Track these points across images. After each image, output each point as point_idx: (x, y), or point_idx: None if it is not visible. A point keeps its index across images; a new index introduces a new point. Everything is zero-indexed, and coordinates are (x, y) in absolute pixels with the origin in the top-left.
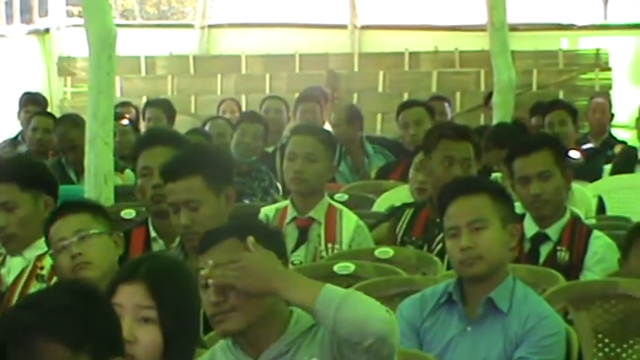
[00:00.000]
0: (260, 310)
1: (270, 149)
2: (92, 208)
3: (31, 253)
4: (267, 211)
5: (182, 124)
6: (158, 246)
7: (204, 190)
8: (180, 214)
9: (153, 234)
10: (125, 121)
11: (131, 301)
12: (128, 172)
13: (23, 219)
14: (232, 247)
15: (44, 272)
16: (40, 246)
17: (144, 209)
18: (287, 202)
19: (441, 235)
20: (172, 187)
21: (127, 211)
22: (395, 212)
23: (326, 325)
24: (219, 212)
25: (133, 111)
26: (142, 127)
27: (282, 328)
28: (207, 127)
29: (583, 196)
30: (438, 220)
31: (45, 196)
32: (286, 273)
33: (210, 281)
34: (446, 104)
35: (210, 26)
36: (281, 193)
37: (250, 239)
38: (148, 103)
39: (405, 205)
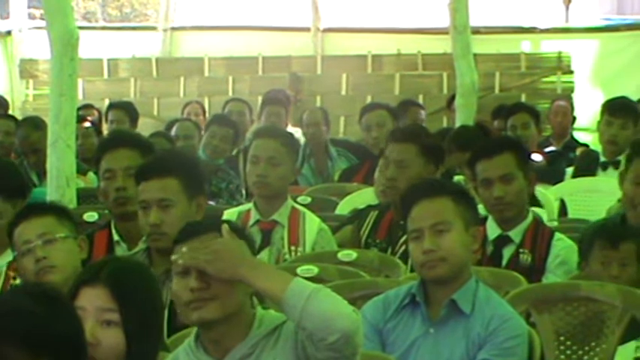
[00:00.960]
0: (235, 303)
1: (233, 152)
2: (57, 210)
3: (2, 260)
4: (229, 214)
5: (145, 127)
6: (121, 249)
7: (178, 191)
8: (151, 212)
9: (116, 237)
10: (87, 124)
11: (93, 304)
12: (91, 174)
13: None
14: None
15: (17, 282)
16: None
17: (107, 212)
18: (250, 205)
19: (404, 238)
20: (145, 186)
21: (90, 213)
22: (359, 215)
23: (293, 317)
24: (188, 218)
25: (96, 113)
26: (105, 129)
27: (246, 329)
28: (174, 130)
29: (545, 199)
30: (401, 222)
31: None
32: (258, 262)
33: (180, 261)
34: (422, 112)
35: (172, 29)
36: (244, 195)
37: (225, 226)
38: (111, 106)
39: (370, 208)
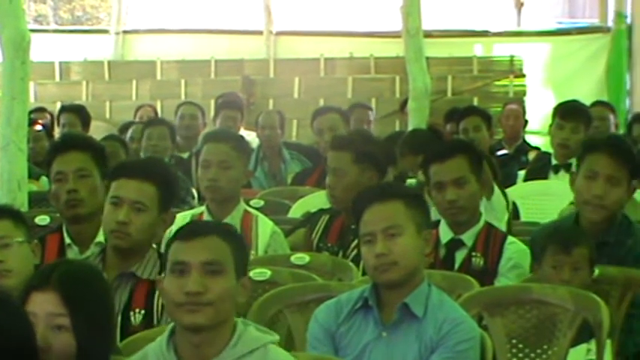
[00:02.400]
0: (227, 311)
1: (185, 155)
2: (13, 214)
3: None
4: (182, 218)
5: (97, 130)
6: (72, 252)
7: (153, 199)
8: (122, 210)
9: (67, 240)
10: (39, 127)
11: (44, 309)
12: (44, 179)
13: None
14: (215, 245)
15: None
16: None
17: (58, 215)
18: (202, 208)
19: (356, 242)
20: (124, 183)
21: (42, 217)
22: (311, 218)
23: None
24: (155, 227)
25: (48, 117)
26: (57, 133)
27: (226, 340)
28: (129, 133)
29: (501, 203)
30: (352, 227)
31: None
32: None
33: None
34: (370, 113)
35: (125, 32)
36: (196, 199)
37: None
38: (63, 109)
39: (321, 212)
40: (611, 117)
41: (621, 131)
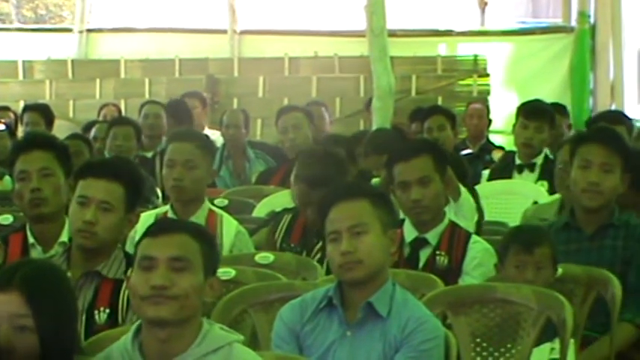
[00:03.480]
0: (193, 307)
1: (149, 154)
2: None
3: None
4: (147, 217)
5: (60, 129)
6: (36, 252)
7: (121, 200)
8: (89, 209)
9: (31, 240)
10: (2, 126)
11: (7, 310)
12: (7, 178)
13: None
14: (184, 242)
15: None
16: None
17: (22, 214)
18: (167, 207)
19: (320, 245)
20: (92, 183)
21: (5, 216)
22: (274, 218)
23: None
24: (121, 227)
25: (12, 116)
26: (20, 132)
27: (192, 338)
28: (92, 132)
29: (470, 204)
30: (316, 229)
31: None
32: None
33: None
34: (323, 109)
35: (88, 30)
36: (161, 198)
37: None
38: (26, 108)
39: (285, 211)
40: (563, 122)
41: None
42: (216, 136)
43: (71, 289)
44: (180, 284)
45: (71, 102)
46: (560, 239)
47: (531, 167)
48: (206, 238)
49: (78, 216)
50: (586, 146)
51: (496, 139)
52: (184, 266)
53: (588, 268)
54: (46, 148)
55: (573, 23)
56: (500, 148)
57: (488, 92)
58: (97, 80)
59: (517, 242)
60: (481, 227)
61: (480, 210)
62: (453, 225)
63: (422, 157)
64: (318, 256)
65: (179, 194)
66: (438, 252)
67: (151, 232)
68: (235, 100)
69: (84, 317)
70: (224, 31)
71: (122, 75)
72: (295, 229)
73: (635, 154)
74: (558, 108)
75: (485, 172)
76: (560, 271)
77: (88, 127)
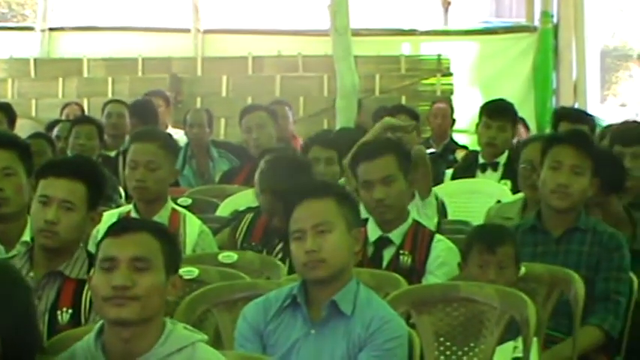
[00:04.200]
0: (154, 306)
1: (112, 153)
2: None
3: None
4: (109, 216)
5: (23, 128)
6: None
7: (83, 199)
8: (51, 209)
9: None
10: None
11: None
12: None
13: None
14: (145, 241)
15: None
16: None
17: None
18: (130, 206)
19: (281, 245)
20: (53, 182)
21: None
22: (237, 217)
23: None
24: (82, 227)
25: None
26: None
27: (155, 338)
28: (55, 131)
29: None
30: (278, 228)
31: None
32: None
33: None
34: (287, 108)
35: (51, 29)
36: (123, 197)
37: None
38: None
39: (247, 210)
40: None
41: (547, 130)
42: (179, 135)
43: (28, 288)
44: (142, 284)
45: (34, 101)
46: (526, 241)
47: (494, 166)
48: (167, 236)
49: (39, 215)
50: (558, 147)
51: (460, 138)
52: (146, 266)
53: (551, 268)
54: (8, 148)
55: (536, 23)
56: (464, 147)
57: (451, 92)
58: (60, 79)
59: (480, 242)
60: (440, 227)
61: (443, 209)
62: (416, 224)
63: (385, 156)
64: (280, 255)
65: (142, 195)
66: (401, 251)
67: (111, 232)
68: (199, 100)
69: (47, 317)
70: (187, 30)
71: (85, 74)
72: (256, 229)
73: (602, 154)
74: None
75: (449, 172)
76: (523, 270)
77: (51, 126)
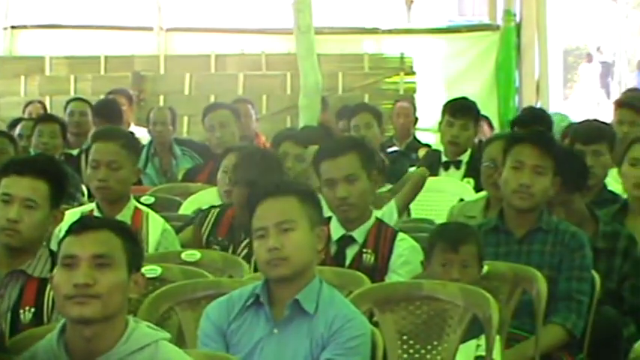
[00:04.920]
0: (116, 305)
1: (74, 152)
2: None
3: None
4: (72, 215)
5: None
6: None
7: (45, 197)
8: (13, 207)
9: None
10: None
11: None
12: None
13: None
14: (106, 239)
15: None
16: None
17: None
18: (92, 205)
19: (247, 240)
20: (16, 180)
21: None
22: (201, 213)
23: None
24: (45, 226)
25: None
26: None
27: (117, 336)
28: (17, 130)
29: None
30: (244, 224)
31: None
32: None
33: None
34: (250, 106)
35: (13, 27)
36: (86, 196)
37: None
38: None
39: (212, 208)
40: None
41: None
42: (142, 133)
43: None
44: (104, 282)
45: None
46: (489, 242)
47: (457, 165)
48: (129, 234)
49: (1, 214)
50: (520, 147)
51: (423, 136)
52: (107, 263)
53: (514, 266)
54: None
55: (499, 21)
56: (427, 145)
57: (414, 90)
58: (22, 77)
59: (443, 240)
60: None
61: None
62: (379, 223)
63: (348, 154)
64: (245, 251)
65: (104, 195)
66: (364, 250)
67: (73, 230)
68: (162, 98)
69: (9, 316)
70: (150, 29)
71: (47, 72)
72: (222, 224)
73: (564, 153)
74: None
75: (412, 170)
76: (486, 268)
77: (13, 124)
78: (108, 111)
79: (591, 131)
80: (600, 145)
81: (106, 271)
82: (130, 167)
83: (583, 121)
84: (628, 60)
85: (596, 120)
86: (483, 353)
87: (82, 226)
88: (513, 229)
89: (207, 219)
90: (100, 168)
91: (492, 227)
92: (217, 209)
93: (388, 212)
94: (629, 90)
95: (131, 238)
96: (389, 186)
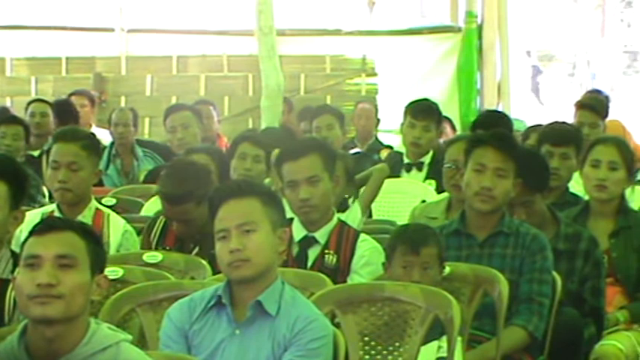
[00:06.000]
0: (79, 305)
1: (35, 153)
2: None
3: None
4: (33, 216)
5: None
6: None
7: (5, 197)
8: None
9: None
10: None
11: None
12: None
13: None
14: (69, 239)
15: None
16: None
17: None
18: (53, 206)
19: (197, 249)
20: None
21: None
22: (150, 221)
23: None
24: (5, 226)
25: None
26: None
27: (79, 338)
28: None
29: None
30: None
31: None
32: None
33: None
34: (211, 108)
35: None
36: (47, 197)
37: None
38: None
39: (160, 214)
40: (447, 127)
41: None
42: (104, 134)
43: None
44: (67, 282)
45: None
46: (451, 245)
47: (419, 166)
48: (92, 236)
49: None
50: (481, 150)
51: (386, 138)
52: (70, 263)
53: (475, 267)
54: None
55: (461, 23)
56: (389, 147)
57: (376, 92)
58: None
59: (403, 243)
60: None
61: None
62: (341, 224)
63: (310, 156)
64: None
65: (64, 197)
66: (326, 251)
67: (37, 230)
68: (123, 99)
69: None
70: (112, 30)
71: (8, 73)
72: (169, 233)
73: (525, 154)
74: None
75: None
76: (448, 269)
77: None
78: (63, 111)
79: (561, 134)
80: (569, 149)
81: (69, 271)
82: (91, 168)
83: (552, 123)
84: (587, 61)
85: (565, 122)
86: (445, 354)
87: (45, 226)
88: (475, 232)
89: (155, 227)
90: (60, 169)
91: (454, 230)
92: (164, 219)
93: (353, 212)
94: (589, 91)
95: (95, 240)
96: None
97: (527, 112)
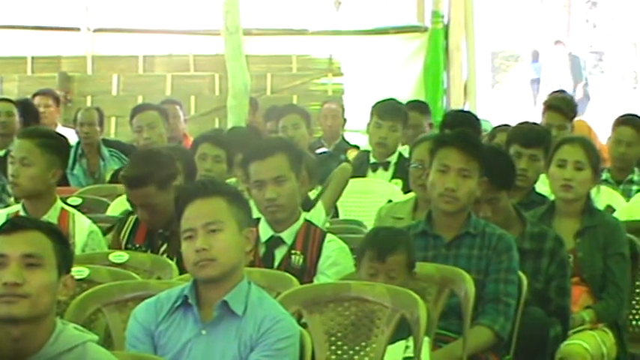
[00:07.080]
0: (45, 305)
1: (1, 153)
2: None
3: None
4: None
5: None
6: None
7: None
8: None
9: None
10: None
11: None
12: None
13: None
14: (36, 239)
15: None
16: None
17: None
18: (18, 206)
19: (165, 246)
20: None
21: None
22: (120, 220)
23: None
24: None
25: None
26: None
27: (45, 338)
28: None
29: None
30: (161, 231)
31: None
32: None
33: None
34: (178, 107)
35: None
36: (13, 197)
37: None
38: None
39: (130, 213)
40: (425, 121)
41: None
42: (69, 134)
43: None
44: (33, 282)
45: None
46: (417, 246)
47: (385, 166)
48: (59, 236)
49: None
50: (445, 150)
51: (352, 138)
52: (37, 263)
53: (441, 267)
54: None
55: (427, 23)
56: (355, 147)
57: (342, 91)
58: None
59: (371, 248)
60: None
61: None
62: (307, 224)
63: (277, 156)
64: (164, 257)
65: (14, 191)
66: (293, 251)
67: (3, 229)
68: (89, 98)
69: None
70: (77, 29)
71: None
72: (140, 230)
73: (490, 152)
74: (420, 105)
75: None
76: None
77: None
78: (25, 111)
79: (531, 135)
80: (538, 150)
81: (35, 270)
82: (44, 166)
83: (522, 123)
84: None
85: (534, 123)
86: (412, 354)
87: (12, 226)
88: (441, 232)
89: (126, 225)
90: (14, 164)
91: (420, 231)
92: (134, 216)
93: (316, 213)
94: (555, 91)
95: (61, 239)
96: (320, 188)
97: (491, 112)
